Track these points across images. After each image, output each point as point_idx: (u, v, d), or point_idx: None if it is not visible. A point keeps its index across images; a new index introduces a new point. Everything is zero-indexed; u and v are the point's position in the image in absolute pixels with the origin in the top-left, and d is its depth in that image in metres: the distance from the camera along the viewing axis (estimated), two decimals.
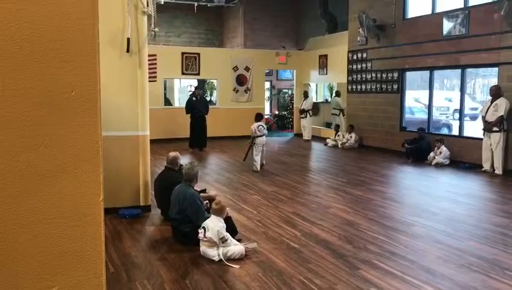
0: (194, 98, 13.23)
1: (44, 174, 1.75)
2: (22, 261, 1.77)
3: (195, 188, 5.52)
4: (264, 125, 9.99)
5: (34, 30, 1.70)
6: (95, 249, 1.85)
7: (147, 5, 6.29)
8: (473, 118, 14.99)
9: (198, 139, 13.10)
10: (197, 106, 13.07)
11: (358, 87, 13.97)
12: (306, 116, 15.74)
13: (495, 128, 9.49)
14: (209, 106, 13.87)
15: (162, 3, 19.46)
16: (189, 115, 13.14)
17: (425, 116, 12.73)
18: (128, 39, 6.09)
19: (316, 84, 18.57)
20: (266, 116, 18.20)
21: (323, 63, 16.10)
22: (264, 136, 9.85)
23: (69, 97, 1.77)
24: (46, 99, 1.74)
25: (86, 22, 1.77)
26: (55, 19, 1.72)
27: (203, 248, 4.77)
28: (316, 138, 15.92)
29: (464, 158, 10.47)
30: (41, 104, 1.73)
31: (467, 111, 13.13)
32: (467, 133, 11.14)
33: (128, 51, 6.12)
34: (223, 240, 4.69)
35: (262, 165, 9.99)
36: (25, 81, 1.71)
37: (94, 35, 1.79)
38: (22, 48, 1.69)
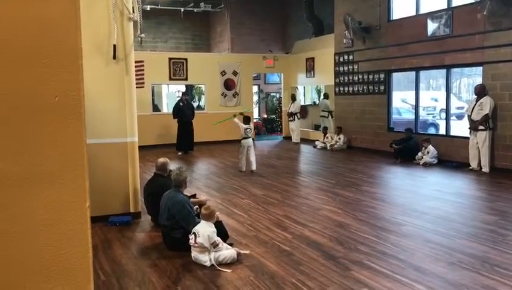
0: (181, 104, 13.48)
1: (28, 182, 1.73)
2: (5, 271, 1.74)
3: (185, 193, 5.50)
4: (251, 128, 10.21)
5: (15, 35, 1.68)
6: (82, 257, 1.83)
7: (133, 11, 6.27)
8: (460, 117, 15.15)
9: (185, 143, 13.43)
10: (184, 111, 13.34)
11: (346, 89, 14.05)
12: (294, 119, 15.80)
13: (481, 127, 9.60)
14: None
15: (148, 9, 19.29)
16: (176, 119, 13.45)
17: (412, 117, 12.84)
18: (114, 46, 6.06)
19: (304, 87, 18.65)
20: (255, 120, 18.21)
21: (310, 66, 16.18)
22: (249, 139, 10.05)
23: (52, 103, 1.74)
24: (28, 105, 1.71)
25: (68, 26, 1.75)
26: (36, 23, 1.71)
27: (195, 254, 4.75)
28: (305, 140, 15.96)
29: (452, 157, 10.57)
30: (24, 110, 1.71)
31: (453, 110, 13.27)
32: (453, 132, 11.25)
33: (114, 57, 6.09)
34: (214, 245, 4.68)
35: (252, 170, 10.06)
36: (5, 87, 1.69)
37: (76, 39, 1.77)
38: (2, 53, 1.67)
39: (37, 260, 1.78)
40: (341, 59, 14.10)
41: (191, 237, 4.76)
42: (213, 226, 4.82)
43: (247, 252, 4.94)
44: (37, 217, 1.76)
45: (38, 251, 1.77)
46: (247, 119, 10.25)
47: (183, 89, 17.51)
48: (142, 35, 6.54)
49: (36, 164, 1.74)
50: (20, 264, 1.76)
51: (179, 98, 14.13)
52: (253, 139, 10.42)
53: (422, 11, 11.47)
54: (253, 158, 10.07)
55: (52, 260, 1.79)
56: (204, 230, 4.72)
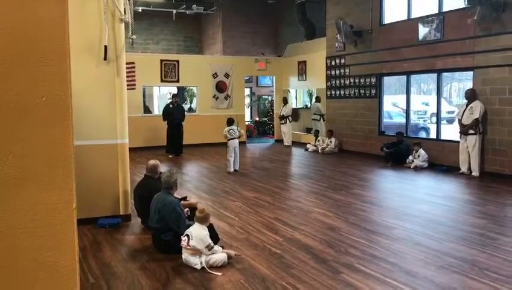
0: (171, 106, 13.40)
1: (14, 183, 1.70)
2: None
3: (175, 195, 5.48)
4: (235, 129, 10.32)
5: (3, 35, 1.66)
6: (68, 259, 1.81)
7: (124, 13, 6.24)
8: (450, 121, 15.23)
9: (174, 146, 13.35)
10: (174, 113, 13.27)
11: (337, 92, 14.10)
12: (286, 122, 15.83)
13: (471, 131, 9.67)
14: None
15: (140, 10, 19.22)
16: (166, 122, 13.36)
17: (403, 120, 12.89)
18: (105, 47, 6.03)
19: (296, 90, 18.69)
20: (247, 123, 18.21)
21: (302, 69, 16.22)
22: (235, 139, 10.27)
23: (39, 103, 1.72)
24: (15, 105, 1.69)
25: (56, 27, 1.73)
26: (25, 24, 1.69)
27: (185, 256, 4.73)
28: (297, 143, 15.98)
29: (442, 161, 10.64)
30: (10, 110, 1.68)
31: (443, 115, 13.33)
32: (444, 136, 11.31)
33: (105, 58, 6.06)
34: (210, 248, 4.65)
35: (236, 170, 10.38)
36: None
37: (64, 40, 1.75)
38: None
39: (23, 261, 1.75)
40: (333, 63, 14.15)
41: (184, 239, 4.73)
42: (206, 229, 4.80)
43: (233, 253, 4.90)
44: (22, 218, 1.73)
45: (24, 252, 1.74)
46: (230, 121, 10.41)
47: (174, 91, 17.49)
48: (134, 36, 6.52)
49: (22, 165, 1.71)
50: (5, 266, 1.72)
51: (170, 100, 14.06)
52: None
53: (414, 15, 11.55)
54: (237, 158, 10.41)
55: (38, 262, 1.77)
56: (197, 233, 4.69)
